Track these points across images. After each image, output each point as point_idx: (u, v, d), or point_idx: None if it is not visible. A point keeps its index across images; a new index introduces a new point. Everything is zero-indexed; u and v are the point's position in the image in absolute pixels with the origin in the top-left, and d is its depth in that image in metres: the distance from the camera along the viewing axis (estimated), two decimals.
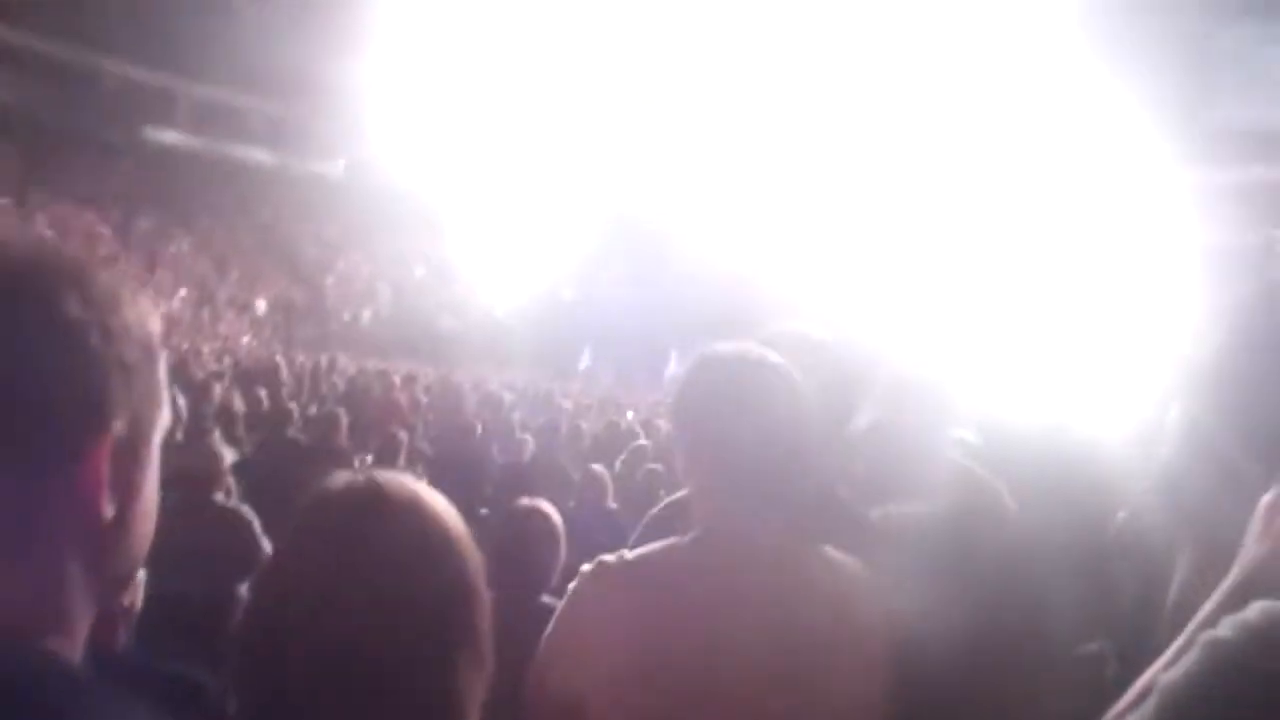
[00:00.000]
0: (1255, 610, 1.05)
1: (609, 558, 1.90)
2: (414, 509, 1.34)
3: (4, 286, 0.95)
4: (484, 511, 7.54)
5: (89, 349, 0.94)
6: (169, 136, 36.23)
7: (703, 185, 30.48)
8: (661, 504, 2.64)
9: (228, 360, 16.26)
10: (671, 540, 1.93)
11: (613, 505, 6.66)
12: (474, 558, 1.38)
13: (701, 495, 1.95)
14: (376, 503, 1.33)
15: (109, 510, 0.96)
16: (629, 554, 1.91)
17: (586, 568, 1.91)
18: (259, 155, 38.39)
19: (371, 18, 29.86)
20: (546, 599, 3.40)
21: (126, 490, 0.99)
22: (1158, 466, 1.80)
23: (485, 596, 1.39)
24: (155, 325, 1.05)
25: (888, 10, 22.95)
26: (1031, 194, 21.84)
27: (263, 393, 10.18)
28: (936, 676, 2.01)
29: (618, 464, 7.94)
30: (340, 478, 1.37)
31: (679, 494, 2.34)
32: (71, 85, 32.03)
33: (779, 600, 1.84)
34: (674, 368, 29.89)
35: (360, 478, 1.37)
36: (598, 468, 6.90)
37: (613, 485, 6.82)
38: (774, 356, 1.94)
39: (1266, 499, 1.29)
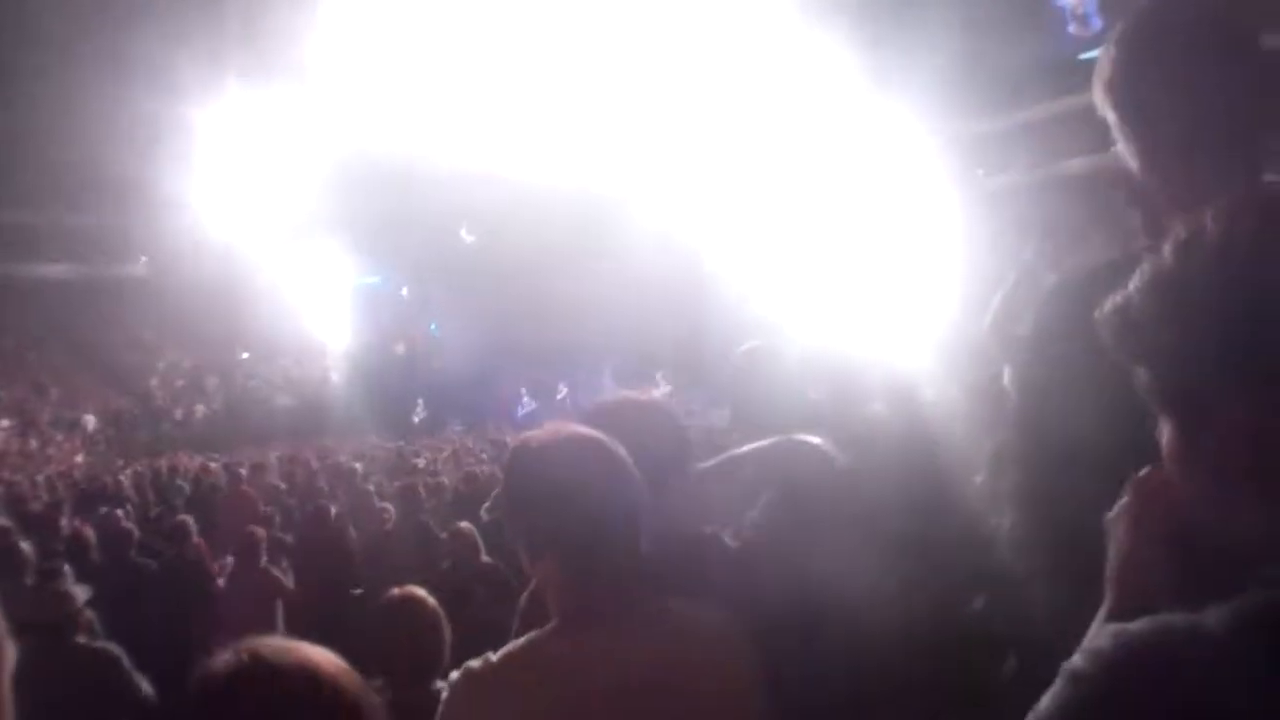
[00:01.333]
0: (1107, 637, 1.00)
1: (474, 663, 1.90)
2: (303, 686, 1.32)
3: None
4: (358, 592, 7.43)
5: None
6: None
7: (525, 218, 30.33)
8: (530, 588, 2.65)
9: (63, 486, 15.55)
10: (533, 635, 1.95)
11: (486, 560, 6.62)
12: (370, 710, 1.38)
13: (551, 584, 1.97)
14: (264, 687, 1.31)
15: None
16: (493, 656, 1.91)
17: (455, 675, 1.91)
18: (57, 270, 36.96)
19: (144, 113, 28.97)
20: (439, 684, 3.38)
21: None
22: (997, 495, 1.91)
23: None
24: None
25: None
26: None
27: (119, 511, 9.79)
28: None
29: (483, 513, 7.91)
30: (222, 659, 1.34)
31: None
32: None
33: (642, 675, 1.87)
34: (526, 405, 29.85)
35: (243, 656, 1.34)
36: (465, 525, 6.85)
37: (482, 537, 6.78)
38: (586, 432, 1.99)
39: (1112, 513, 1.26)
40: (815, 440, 2.91)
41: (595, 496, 1.88)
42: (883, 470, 3.08)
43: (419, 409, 30.30)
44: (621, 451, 1.96)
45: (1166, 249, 1.04)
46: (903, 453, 3.40)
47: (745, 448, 2.61)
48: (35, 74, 27.78)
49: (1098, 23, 30.37)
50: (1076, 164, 30.68)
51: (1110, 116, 1.79)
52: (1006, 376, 2.31)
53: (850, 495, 2.68)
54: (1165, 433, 1.09)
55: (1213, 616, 0.95)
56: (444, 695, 1.91)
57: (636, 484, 1.93)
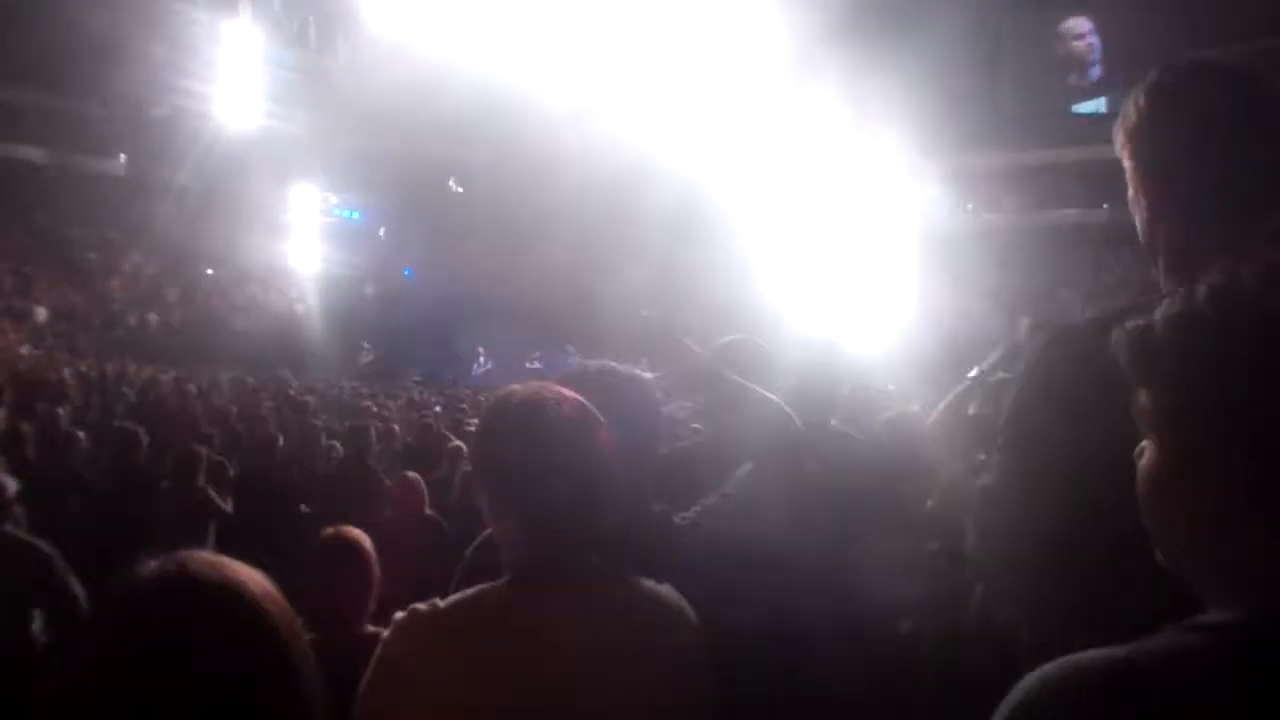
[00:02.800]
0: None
1: (421, 606, 1.90)
2: (227, 601, 1.31)
3: None
4: (305, 509, 7.38)
5: None
6: None
7: (516, 180, 30.25)
8: (475, 543, 2.65)
9: (5, 375, 15.35)
10: (484, 586, 1.94)
11: (429, 512, 6.58)
12: (294, 638, 1.37)
13: (508, 538, 1.97)
14: (187, 598, 1.30)
15: None
16: (441, 602, 1.90)
17: (399, 615, 1.90)
18: (29, 152, 36.40)
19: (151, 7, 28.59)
20: (370, 629, 3.36)
21: None
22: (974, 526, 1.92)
23: (309, 676, 1.37)
24: None
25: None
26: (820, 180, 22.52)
27: (59, 410, 9.67)
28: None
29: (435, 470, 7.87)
30: (149, 568, 1.33)
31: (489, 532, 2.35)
32: None
33: (591, 640, 1.87)
34: (482, 364, 29.81)
35: (170, 567, 1.33)
36: (412, 475, 6.80)
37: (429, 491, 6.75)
38: (569, 394, 1.98)
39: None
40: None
41: (566, 459, 1.89)
42: (840, 479, 3.13)
43: (365, 352, 30.14)
44: (599, 418, 1.96)
45: (1200, 288, 1.08)
46: (858, 468, 3.45)
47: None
48: None
49: (1097, 72, 30.80)
50: (1065, 214, 31.30)
51: (1126, 164, 1.83)
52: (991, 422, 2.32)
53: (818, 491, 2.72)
54: (1147, 457, 1.15)
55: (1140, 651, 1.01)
56: (386, 635, 1.90)
57: (610, 452, 1.94)
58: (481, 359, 29.84)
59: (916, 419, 4.19)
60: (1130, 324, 1.14)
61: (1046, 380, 1.79)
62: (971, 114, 29.92)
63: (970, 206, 33.49)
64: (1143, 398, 1.13)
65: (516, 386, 2.05)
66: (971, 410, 3.52)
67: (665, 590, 2.00)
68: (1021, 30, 31.64)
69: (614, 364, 2.46)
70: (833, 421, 3.80)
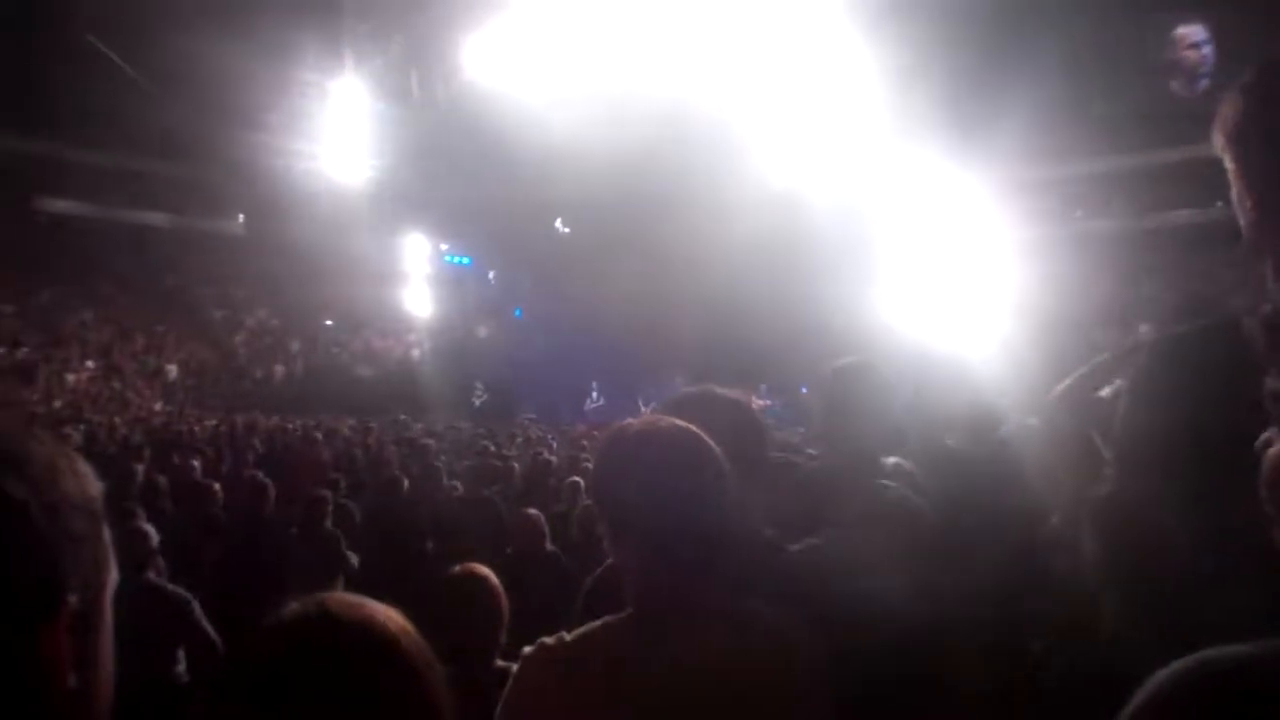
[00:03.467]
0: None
1: (548, 640, 1.91)
2: (366, 639, 1.34)
3: None
4: (429, 547, 7.50)
5: (34, 528, 0.93)
6: (62, 205, 35.57)
7: (622, 218, 30.41)
8: (594, 576, 2.65)
9: (141, 431, 15.92)
10: (607, 619, 1.95)
11: (550, 548, 6.64)
12: (431, 674, 1.39)
13: (630, 569, 1.96)
14: (328, 636, 1.33)
15: (71, 682, 0.96)
16: (567, 636, 1.92)
17: (527, 650, 1.92)
18: (156, 218, 37.82)
19: (262, 74, 29.49)
20: (500, 663, 3.41)
21: (86, 659, 0.99)
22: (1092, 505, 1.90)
23: (445, 711, 1.40)
24: (95, 489, 1.04)
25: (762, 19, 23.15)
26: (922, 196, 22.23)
27: (194, 462, 10.00)
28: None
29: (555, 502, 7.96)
30: (291, 608, 1.37)
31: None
32: None
33: (714, 672, 1.85)
34: (594, 399, 29.96)
35: (311, 607, 1.36)
36: (532, 511, 6.87)
37: (549, 525, 6.80)
38: (683, 425, 1.97)
39: None
40: (898, 462, 2.90)
41: (682, 489, 1.87)
42: (959, 500, 3.07)
43: (479, 392, 30.47)
44: (714, 448, 1.95)
45: None
46: (979, 487, 3.38)
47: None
48: (156, 29, 28.38)
49: (1204, 83, 29.70)
50: (1178, 215, 30.32)
51: (1229, 166, 1.78)
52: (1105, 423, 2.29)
53: (925, 520, 2.68)
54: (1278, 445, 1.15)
55: None
56: (515, 669, 1.92)
57: (725, 481, 1.92)
58: (594, 394, 29.99)
59: (1034, 433, 4.10)
60: (1266, 309, 1.14)
61: (1158, 385, 1.78)
62: (1078, 117, 29.27)
63: (1079, 213, 32.69)
64: (1272, 377, 1.12)
65: (632, 419, 2.06)
66: (1103, 393, 3.42)
67: (788, 621, 1.99)
68: (1128, 31, 30.86)
69: (715, 388, 2.45)
70: (949, 440, 3.75)
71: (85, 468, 1.05)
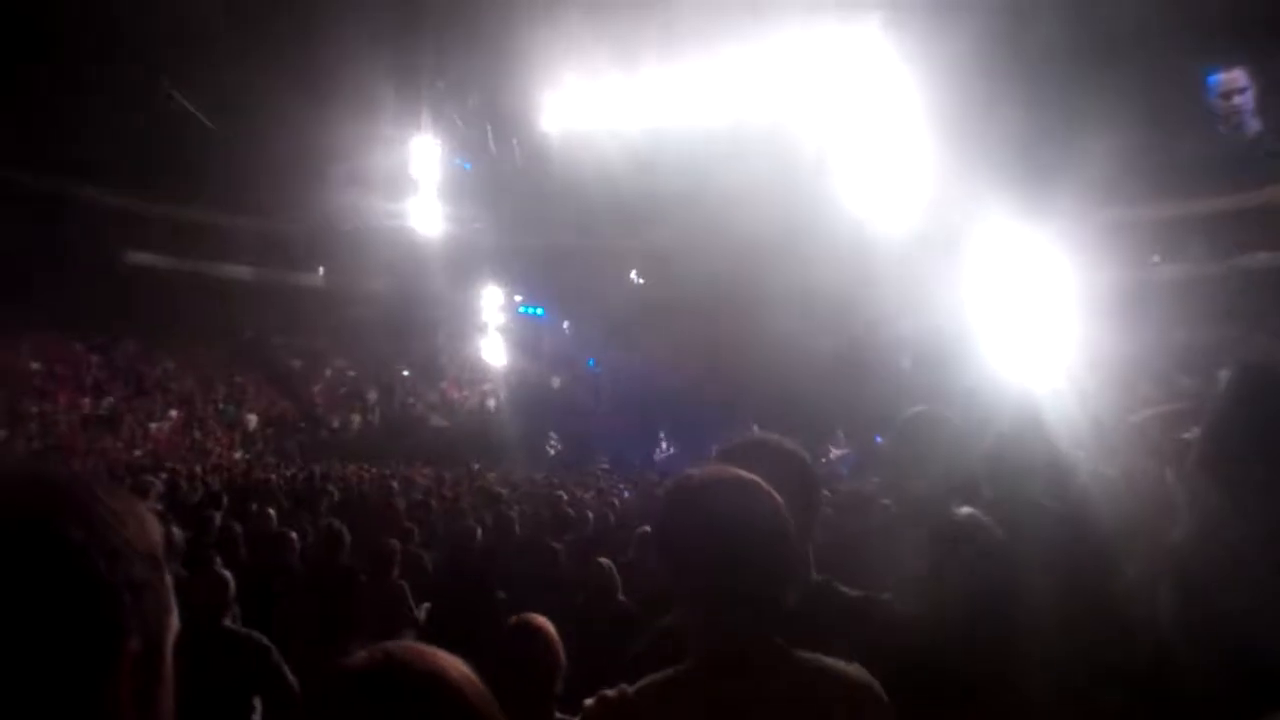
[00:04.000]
0: None
1: (609, 692, 1.90)
2: (429, 688, 1.36)
3: (2, 519, 0.96)
4: (501, 597, 7.51)
5: (94, 573, 0.95)
6: (146, 258, 36.46)
7: (689, 272, 30.53)
8: (654, 630, 2.64)
9: (219, 480, 16.17)
10: (670, 671, 1.93)
11: (622, 599, 6.62)
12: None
13: (693, 619, 1.96)
14: (392, 685, 1.35)
15: None
16: (629, 688, 1.91)
17: (588, 702, 1.91)
18: (238, 271, 38.65)
19: (342, 130, 30.16)
20: (559, 716, 3.41)
21: (148, 705, 1.00)
22: (1168, 546, 1.87)
23: None
24: (158, 535, 1.06)
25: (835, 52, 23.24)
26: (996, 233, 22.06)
27: (270, 511, 10.13)
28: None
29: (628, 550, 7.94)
30: (357, 657, 1.39)
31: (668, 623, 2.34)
32: (47, 211, 32.13)
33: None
34: (664, 448, 29.94)
35: (377, 655, 1.39)
36: (604, 561, 6.86)
37: (621, 574, 6.79)
38: (746, 475, 1.97)
39: None
40: (972, 512, 2.86)
41: (745, 541, 1.87)
42: (1035, 551, 3.02)
43: (553, 442, 30.59)
44: (775, 497, 1.95)
45: None
46: (1057, 538, 3.32)
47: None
48: (239, 85, 29.14)
49: (1254, 124, 29.15)
50: (1258, 258, 29.68)
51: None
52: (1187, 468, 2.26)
53: (1002, 568, 2.64)
54: None
55: None
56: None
57: (787, 532, 1.92)
58: (664, 444, 29.95)
59: (1112, 483, 4.02)
60: None
61: (1234, 421, 1.76)
62: (1151, 162, 28.89)
63: (1156, 258, 32.16)
64: None
65: (694, 470, 2.06)
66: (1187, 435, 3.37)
67: (853, 668, 1.97)
68: (1203, 74, 30.45)
69: (769, 437, 2.45)
70: (1025, 491, 3.68)
71: (148, 514, 1.07)
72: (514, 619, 3.80)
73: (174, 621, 1.07)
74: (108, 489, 1.06)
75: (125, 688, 0.97)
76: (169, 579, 1.07)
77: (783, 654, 1.92)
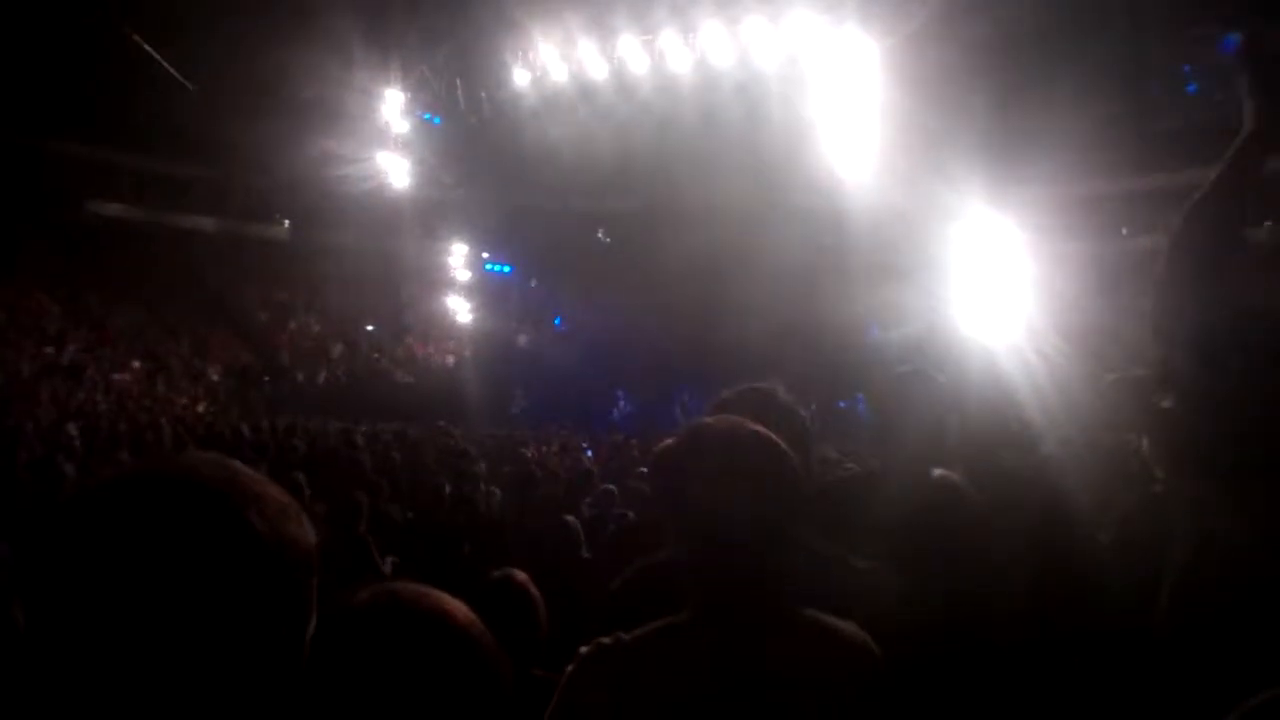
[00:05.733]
0: None
1: (606, 640, 1.89)
2: (435, 625, 1.38)
3: (197, 506, 0.98)
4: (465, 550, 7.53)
5: (277, 563, 0.98)
6: (112, 209, 36.04)
7: (656, 232, 30.46)
8: (636, 568, 2.64)
9: (183, 432, 16.06)
10: (669, 620, 1.94)
11: (585, 555, 6.66)
12: (499, 660, 1.42)
13: (695, 568, 1.95)
14: (398, 619, 1.37)
15: None
16: (625, 635, 1.90)
17: (584, 649, 1.90)
18: (202, 222, 38.23)
19: (308, 82, 29.77)
20: (538, 673, 3.42)
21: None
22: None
23: (509, 690, 1.43)
24: (313, 539, 1.08)
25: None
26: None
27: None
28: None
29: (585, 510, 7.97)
30: (361, 596, 1.41)
31: (654, 558, 2.34)
32: (11, 164, 31.67)
33: (775, 674, 1.86)
34: (621, 407, 29.96)
35: (381, 593, 1.40)
36: (570, 519, 6.90)
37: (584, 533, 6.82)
38: (759, 429, 1.97)
39: None
40: (944, 474, 2.90)
41: (760, 494, 1.87)
42: (1006, 518, 3.06)
43: (518, 400, 30.56)
44: (791, 455, 1.94)
45: None
46: (1027, 501, 3.36)
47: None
48: (203, 34, 28.77)
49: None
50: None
51: None
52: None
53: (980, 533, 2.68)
54: None
55: None
56: (571, 668, 1.91)
57: (792, 486, 1.92)
58: (621, 402, 30.02)
59: (1080, 451, 4.06)
60: None
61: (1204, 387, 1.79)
62: (1123, 136, 28.98)
63: (1125, 230, 32.36)
64: None
65: (709, 420, 2.04)
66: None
67: (849, 626, 1.98)
68: (1177, 46, 30.52)
69: (764, 388, 2.45)
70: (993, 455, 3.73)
71: (304, 516, 1.09)
72: (495, 573, 3.80)
73: (313, 625, 1.11)
74: (274, 484, 1.09)
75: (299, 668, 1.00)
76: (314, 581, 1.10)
77: (784, 610, 1.94)
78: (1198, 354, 1.80)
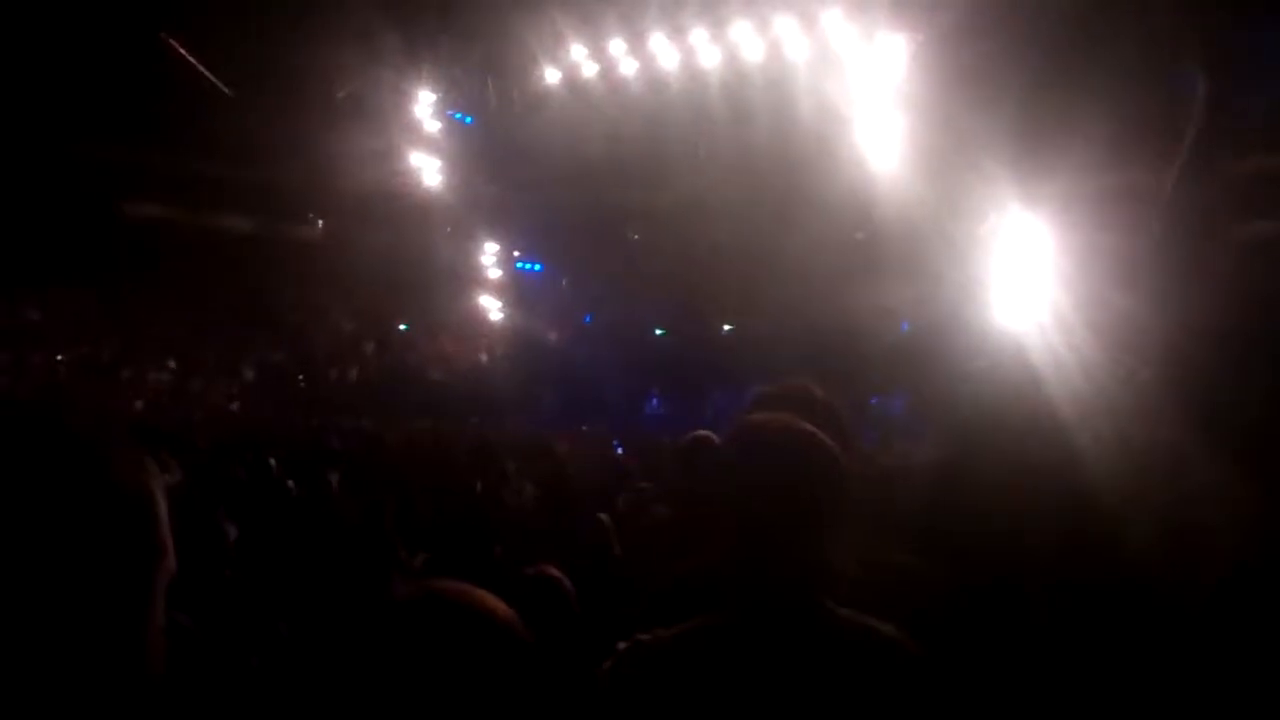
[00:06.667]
0: None
1: (645, 636, 1.88)
2: (473, 620, 1.39)
3: (56, 453, 0.99)
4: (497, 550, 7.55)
5: (142, 503, 0.99)
6: (145, 209, 36.29)
7: (680, 232, 30.50)
8: (685, 569, 2.62)
9: (219, 429, 16.22)
10: (708, 617, 1.93)
11: (618, 553, 6.67)
12: (536, 656, 1.43)
13: (739, 568, 1.96)
14: (438, 614, 1.38)
15: None
16: (664, 631, 1.89)
17: (623, 645, 1.90)
18: (236, 222, 38.45)
19: (340, 80, 29.88)
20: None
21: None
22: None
23: (546, 686, 1.44)
24: (156, 484, 1.09)
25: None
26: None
27: (271, 461, 10.20)
28: None
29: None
30: (403, 590, 1.42)
31: (698, 560, 2.33)
32: (45, 166, 31.95)
33: (813, 675, 1.84)
34: (654, 406, 29.97)
35: (420, 589, 1.41)
36: (603, 516, 6.92)
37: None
38: (813, 429, 1.94)
39: None
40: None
41: (809, 496, 1.86)
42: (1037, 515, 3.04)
43: (550, 397, 30.64)
44: (840, 457, 1.92)
45: None
46: (1061, 503, 3.33)
47: None
48: (234, 33, 28.91)
49: None
50: (1258, 226, 29.59)
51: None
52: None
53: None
54: None
55: None
56: (610, 663, 1.91)
57: (839, 485, 1.90)
58: (653, 400, 30.05)
59: (1113, 446, 4.01)
60: None
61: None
62: (1155, 128, 28.71)
63: (1156, 223, 31.96)
64: None
65: (757, 417, 2.02)
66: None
67: (888, 628, 1.99)
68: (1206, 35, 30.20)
69: (804, 386, 2.43)
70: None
71: (154, 465, 1.10)
72: (530, 570, 3.83)
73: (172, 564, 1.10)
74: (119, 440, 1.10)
75: (158, 611, 1.00)
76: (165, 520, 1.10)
77: (823, 610, 1.91)
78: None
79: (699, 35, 24.20)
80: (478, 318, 36.44)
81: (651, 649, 1.88)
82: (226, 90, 30.77)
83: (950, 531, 2.51)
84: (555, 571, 3.78)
